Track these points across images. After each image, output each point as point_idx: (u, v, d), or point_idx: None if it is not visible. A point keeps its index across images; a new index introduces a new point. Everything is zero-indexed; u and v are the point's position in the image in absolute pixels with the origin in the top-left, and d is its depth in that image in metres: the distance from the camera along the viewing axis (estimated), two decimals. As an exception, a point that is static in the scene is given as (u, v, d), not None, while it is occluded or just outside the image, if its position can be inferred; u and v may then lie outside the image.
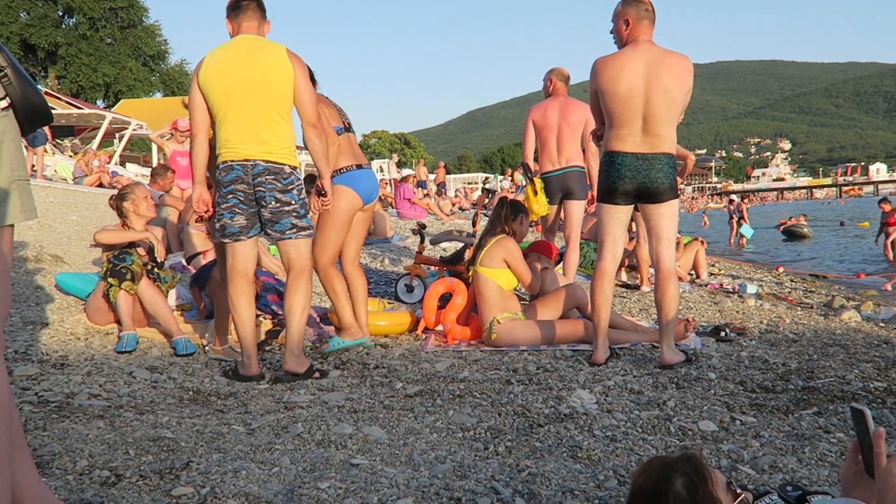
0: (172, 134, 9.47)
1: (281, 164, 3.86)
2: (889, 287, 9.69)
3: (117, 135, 24.19)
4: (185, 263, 7.15)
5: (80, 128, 25.16)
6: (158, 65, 43.07)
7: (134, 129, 22.52)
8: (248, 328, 3.93)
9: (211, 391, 3.64)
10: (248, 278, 3.95)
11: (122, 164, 21.84)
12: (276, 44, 3.90)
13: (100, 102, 37.32)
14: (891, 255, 14.58)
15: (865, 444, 1.47)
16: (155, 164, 17.12)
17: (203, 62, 3.88)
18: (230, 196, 3.85)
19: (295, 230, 3.91)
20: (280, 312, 4.93)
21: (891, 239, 14.83)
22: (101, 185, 15.44)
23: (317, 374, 3.93)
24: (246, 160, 3.81)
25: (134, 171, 19.34)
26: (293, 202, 3.89)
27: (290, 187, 3.89)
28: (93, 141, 22.15)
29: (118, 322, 4.57)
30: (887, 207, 15.19)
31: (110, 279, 4.51)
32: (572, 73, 6.26)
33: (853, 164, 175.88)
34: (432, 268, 6.74)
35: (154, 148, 18.97)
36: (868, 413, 1.46)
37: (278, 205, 3.85)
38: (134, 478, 2.34)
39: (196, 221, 6.68)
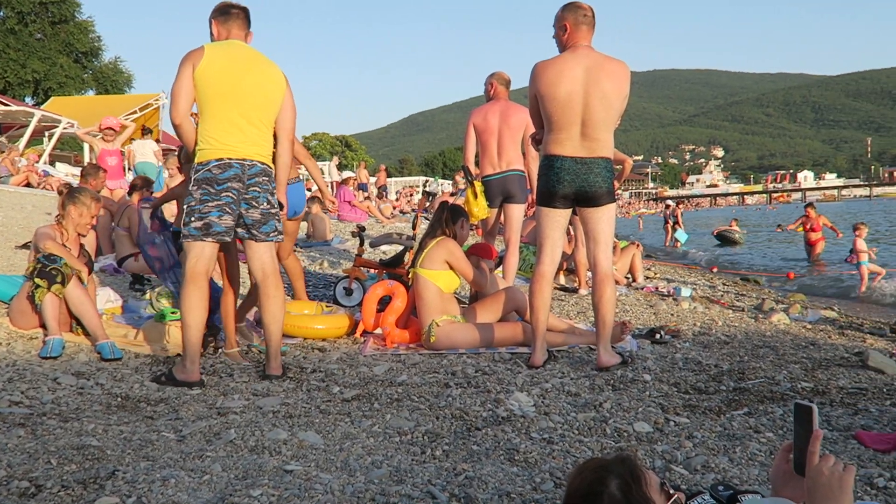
0: (101, 133, 9.18)
1: (271, 167, 4.00)
2: (792, 275, 11.44)
3: (46, 133, 23.40)
4: (116, 266, 6.94)
5: (7, 126, 24.23)
6: (91, 62, 41.84)
7: (64, 128, 21.81)
8: (198, 332, 3.85)
9: (140, 397, 3.52)
10: (206, 281, 3.90)
11: (52, 163, 21.13)
12: (270, 60, 4.02)
13: (28, 100, 36.01)
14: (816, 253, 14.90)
15: (801, 441, 1.50)
16: (87, 163, 16.62)
17: (203, 55, 3.81)
18: (224, 194, 3.78)
19: (276, 234, 4.00)
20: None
21: (816, 250, 15.06)
22: (28, 185, 14.91)
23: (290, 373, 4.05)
24: (244, 159, 3.83)
25: (64, 171, 18.72)
26: (276, 205, 3.99)
27: (275, 191, 4.00)
28: (20, 139, 21.37)
29: (43, 326, 4.40)
30: (813, 213, 15.47)
31: (38, 280, 4.34)
32: (514, 77, 6.30)
33: (782, 172, 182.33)
34: (372, 270, 6.69)
35: (86, 147, 18.40)
36: (815, 410, 1.49)
37: (269, 206, 3.92)
38: (55, 488, 2.23)
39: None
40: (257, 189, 3.86)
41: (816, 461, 1.46)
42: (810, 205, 16.20)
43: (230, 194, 3.79)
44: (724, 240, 21.32)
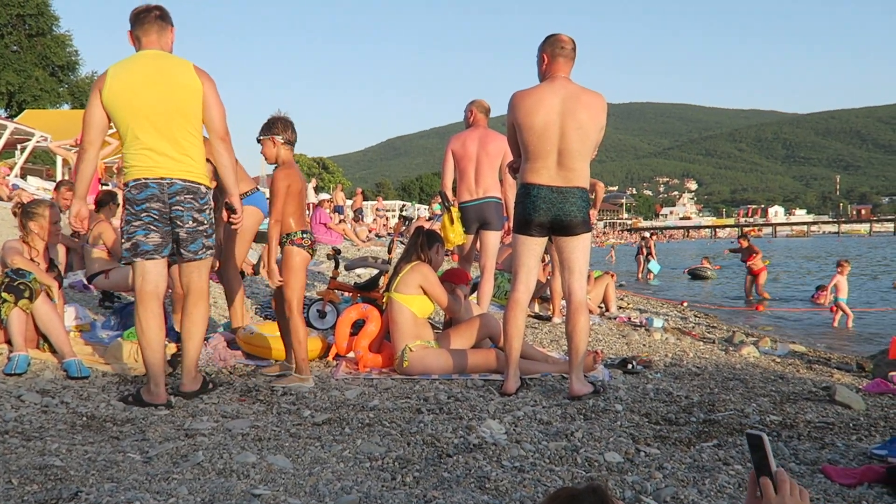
0: (77, 147, 9.08)
1: (198, 183, 3.81)
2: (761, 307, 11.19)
3: (19, 146, 23.10)
4: (85, 282, 6.85)
5: (-21, 137, 23.91)
6: (68, 76, 41.47)
7: (38, 141, 21.55)
8: (157, 353, 3.78)
9: (106, 417, 3.46)
10: (159, 300, 3.82)
11: (24, 176, 20.84)
12: (182, 60, 3.82)
13: (1, 112, 35.59)
14: (751, 296, 14.42)
15: (764, 471, 1.50)
16: (59, 178, 16.42)
17: (107, 78, 3.73)
18: (143, 214, 3.73)
19: (205, 250, 3.89)
20: None
21: (760, 281, 14.56)
22: (-2, 198, 14.70)
23: (210, 386, 4.03)
24: (162, 178, 3.72)
25: (36, 185, 18.46)
26: (206, 222, 3.87)
27: (205, 207, 3.86)
28: (-8, 151, 21.08)
29: (8, 342, 4.31)
30: (745, 243, 15.13)
31: (5, 294, 4.26)
32: (494, 105, 6.34)
33: (754, 206, 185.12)
34: (346, 294, 6.66)
35: (59, 161, 18.21)
36: (766, 438, 1.49)
37: (195, 224, 3.80)
38: (15, 509, 2.18)
39: (71, 235, 6.49)
40: (180, 208, 3.76)
41: (772, 494, 1.46)
42: (743, 236, 15.94)
43: (150, 214, 3.74)
44: (697, 276, 21.68)
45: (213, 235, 3.96)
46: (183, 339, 3.96)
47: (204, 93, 3.79)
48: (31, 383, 3.92)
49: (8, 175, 17.68)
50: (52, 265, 4.78)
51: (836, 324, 10.44)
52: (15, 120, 24.47)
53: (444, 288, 4.87)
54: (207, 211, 3.88)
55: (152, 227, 3.75)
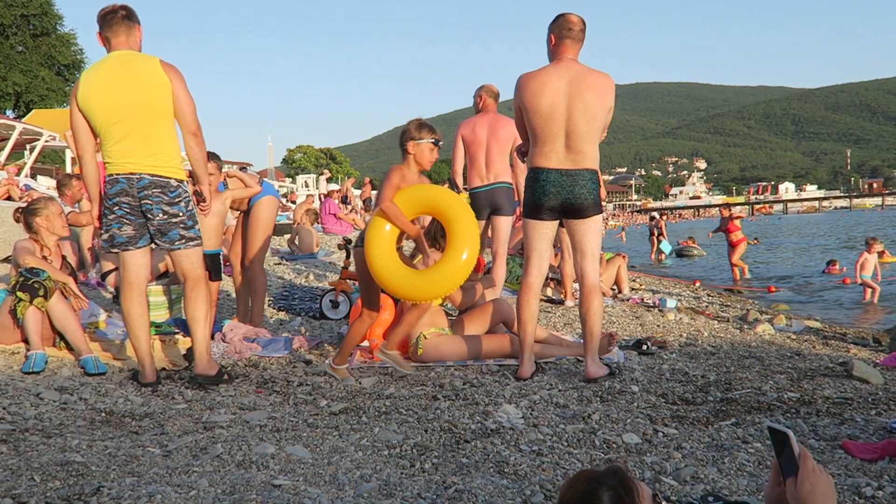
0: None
1: (167, 177, 3.94)
2: (773, 289, 11.58)
3: (28, 146, 23.22)
4: (99, 280, 6.88)
5: (-13, 139, 24.05)
6: (74, 74, 41.58)
7: (46, 141, 21.66)
8: (139, 337, 4.01)
9: (125, 412, 3.48)
10: (140, 289, 4.05)
11: (34, 176, 20.96)
12: (148, 57, 3.91)
13: (9, 112, 35.74)
14: (736, 271, 14.28)
15: (791, 467, 1.49)
16: (60, 173, 16.48)
17: (80, 83, 3.92)
18: (115, 208, 3.94)
19: (184, 241, 4.02)
20: None
21: (736, 253, 14.32)
22: (9, 198, 14.78)
23: (226, 377, 4.09)
24: (131, 174, 3.89)
25: (46, 185, 18.56)
26: (181, 214, 3.99)
27: (178, 200, 3.97)
28: (0, 152, 21.19)
29: (25, 341, 4.34)
30: (727, 213, 14.96)
31: (20, 293, 4.28)
32: (502, 90, 6.31)
33: (764, 184, 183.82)
34: (358, 283, 6.66)
35: (67, 159, 18.28)
36: (791, 435, 1.48)
37: (165, 217, 3.94)
38: (39, 505, 2.20)
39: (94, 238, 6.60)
40: (149, 202, 3.90)
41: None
42: (724, 205, 15.74)
43: (122, 207, 3.91)
44: (682, 255, 21.67)
45: (195, 227, 4.07)
46: (189, 325, 4.12)
47: (172, 88, 3.89)
48: (50, 381, 3.95)
49: (17, 175, 17.77)
50: (64, 261, 4.80)
51: (867, 298, 10.42)
52: (23, 120, 24.58)
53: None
54: (181, 203, 3.99)
55: (125, 220, 3.93)
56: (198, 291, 4.09)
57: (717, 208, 15.65)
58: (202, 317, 4.08)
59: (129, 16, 3.93)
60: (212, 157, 4.88)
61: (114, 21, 3.89)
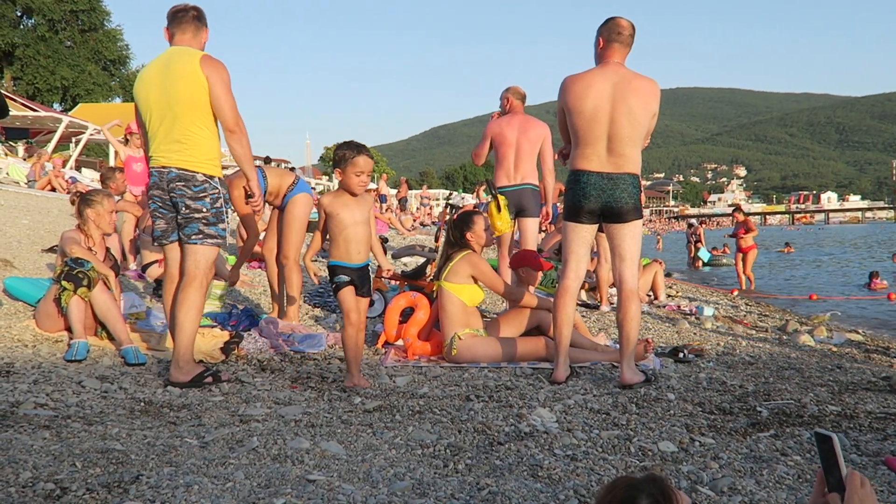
0: (128, 139, 9.20)
1: (193, 171, 3.91)
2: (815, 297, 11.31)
3: (73, 139, 23.70)
4: (140, 271, 7.00)
5: (35, 131, 24.61)
6: (119, 70, 42.43)
7: (91, 134, 22.09)
8: (184, 334, 3.89)
9: (163, 402, 3.53)
10: (175, 282, 4.05)
11: (78, 168, 21.40)
12: (192, 52, 3.89)
13: (57, 106, 36.55)
14: (742, 279, 13.68)
15: (835, 474, 1.46)
16: (104, 166, 16.80)
17: (136, 79, 4.06)
18: (150, 202, 4.03)
19: (201, 236, 3.93)
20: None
21: (749, 262, 13.58)
22: (53, 190, 15.10)
23: (209, 379, 3.88)
24: (163, 168, 3.93)
25: (90, 177, 18.93)
26: (204, 209, 3.93)
27: (202, 195, 3.92)
28: (47, 144, 21.66)
29: (68, 329, 4.43)
30: (741, 216, 14.28)
31: (65, 283, 4.37)
32: (536, 93, 6.28)
33: (805, 193, 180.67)
34: (393, 282, 6.69)
35: (111, 153, 18.59)
36: (836, 440, 1.45)
37: (188, 211, 3.93)
38: (80, 491, 2.24)
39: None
40: (175, 195, 3.92)
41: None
42: (737, 209, 14.94)
43: (154, 201, 4.00)
44: (711, 264, 21.33)
45: (218, 225, 3.96)
46: (175, 331, 3.92)
47: (210, 85, 3.84)
48: (91, 370, 4.03)
49: (63, 167, 18.15)
50: (108, 254, 4.89)
51: None
52: (69, 114, 25.11)
53: (495, 273, 4.85)
54: (207, 199, 3.91)
55: (158, 213, 4.03)
56: (188, 292, 3.87)
57: (732, 212, 14.86)
58: (189, 322, 3.86)
59: (199, 17, 4.00)
60: None
61: (184, 19, 3.95)
